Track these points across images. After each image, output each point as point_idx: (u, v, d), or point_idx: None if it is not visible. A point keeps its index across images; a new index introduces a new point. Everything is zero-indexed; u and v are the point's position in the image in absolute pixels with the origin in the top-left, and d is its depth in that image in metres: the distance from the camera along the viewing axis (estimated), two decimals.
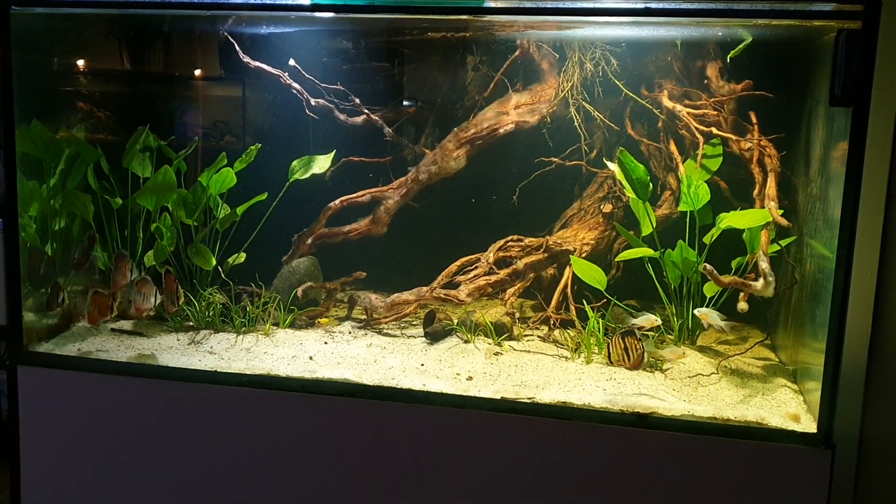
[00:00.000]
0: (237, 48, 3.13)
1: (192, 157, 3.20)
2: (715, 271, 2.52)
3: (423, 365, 2.71)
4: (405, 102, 3.36)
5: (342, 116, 3.23)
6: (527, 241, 3.14)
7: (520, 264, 3.09)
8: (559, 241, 3.13)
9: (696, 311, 2.69)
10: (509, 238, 3.14)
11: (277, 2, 2.55)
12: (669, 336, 2.86)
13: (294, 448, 2.51)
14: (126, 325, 2.98)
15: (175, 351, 2.77)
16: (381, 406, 2.46)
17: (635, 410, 2.36)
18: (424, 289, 3.03)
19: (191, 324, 2.99)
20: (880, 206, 2.12)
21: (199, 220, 3.11)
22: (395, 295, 3.06)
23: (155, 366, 2.65)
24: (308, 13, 2.77)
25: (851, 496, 2.22)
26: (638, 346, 2.52)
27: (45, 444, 2.66)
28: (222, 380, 2.58)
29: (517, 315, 3.03)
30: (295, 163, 3.12)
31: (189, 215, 3.08)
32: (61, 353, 2.73)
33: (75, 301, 3.00)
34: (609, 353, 2.58)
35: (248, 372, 2.60)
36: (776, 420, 2.31)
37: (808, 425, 2.29)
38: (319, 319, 3.09)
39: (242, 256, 3.15)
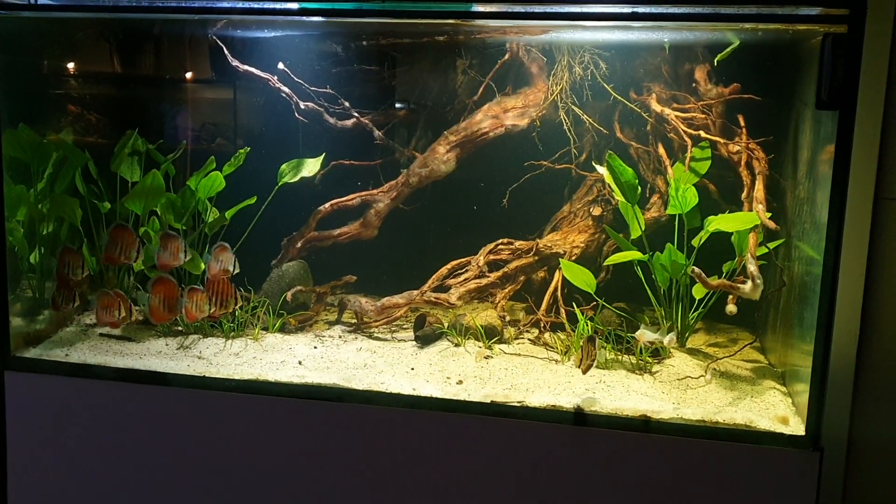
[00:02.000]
0: (226, 52, 3.12)
1: (181, 161, 3.19)
2: (703, 274, 2.53)
3: (413, 369, 2.71)
4: (395, 105, 3.36)
5: (332, 120, 3.23)
6: (517, 244, 3.14)
7: (510, 267, 3.09)
8: (549, 245, 3.13)
9: (635, 336, 2.68)
10: (499, 241, 3.14)
11: (265, 6, 2.55)
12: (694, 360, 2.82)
13: (283, 453, 2.50)
14: (114, 329, 2.97)
15: (163, 356, 2.76)
16: (370, 410, 2.45)
17: (624, 414, 2.37)
18: (415, 292, 3.03)
19: (179, 328, 2.98)
20: (867, 208, 2.13)
21: (188, 224, 3.10)
22: (386, 298, 3.05)
23: (143, 371, 2.63)
24: (297, 17, 2.77)
25: (840, 498, 2.22)
26: (592, 353, 2.52)
27: (31, 449, 2.64)
28: (211, 385, 2.57)
29: (507, 318, 3.04)
30: (284, 166, 3.12)
31: (178, 219, 3.07)
32: (48, 359, 2.71)
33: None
34: (582, 359, 2.57)
35: (236, 377, 2.59)
36: (765, 423, 2.32)
37: (797, 427, 2.29)
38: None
39: None
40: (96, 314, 2.84)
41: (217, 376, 2.60)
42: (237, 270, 2.84)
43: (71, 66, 3.33)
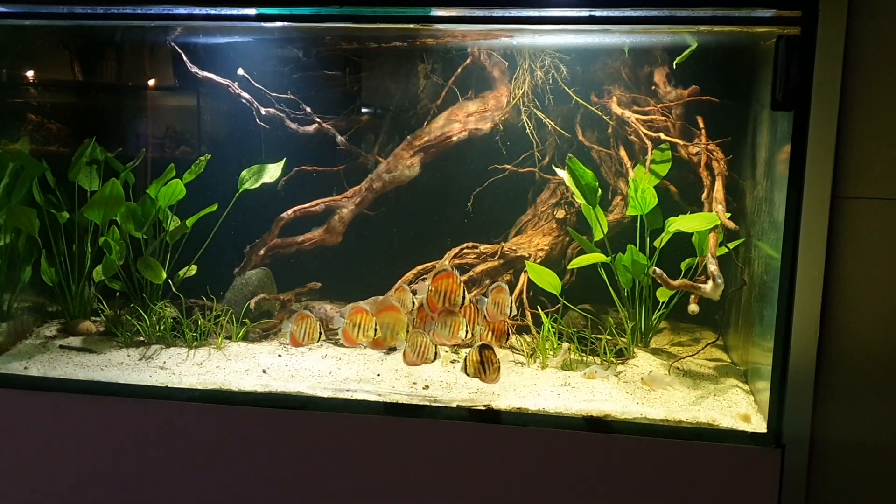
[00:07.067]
0: (185, 58, 3.09)
1: (142, 169, 3.15)
2: (664, 275, 2.55)
3: (378, 375, 2.69)
4: (358, 110, 3.34)
5: (293, 125, 3.21)
6: (482, 247, 3.14)
7: (475, 271, 3.09)
8: (514, 248, 3.14)
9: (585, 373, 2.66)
10: (465, 245, 3.15)
11: (223, 12, 2.52)
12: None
13: (248, 463, 2.47)
14: (75, 341, 2.92)
15: (125, 367, 2.72)
16: (336, 418, 2.44)
17: (589, 415, 2.37)
18: (381, 298, 3.01)
19: (141, 339, 2.94)
20: (825, 207, 2.15)
21: (149, 233, 3.06)
22: (351, 305, 3.03)
23: (105, 383, 2.59)
24: (256, 23, 2.75)
25: (803, 496, 2.25)
26: (496, 361, 2.46)
27: None
28: (174, 395, 2.53)
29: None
30: (244, 172, 3.09)
31: (138, 228, 3.03)
32: (6, 372, 2.66)
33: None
34: (465, 366, 2.48)
35: (200, 387, 2.56)
36: (727, 421, 2.34)
37: (759, 425, 2.32)
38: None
39: (193, 269, 3.11)
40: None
41: (180, 386, 2.57)
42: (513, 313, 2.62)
43: (27, 73, 3.28)
